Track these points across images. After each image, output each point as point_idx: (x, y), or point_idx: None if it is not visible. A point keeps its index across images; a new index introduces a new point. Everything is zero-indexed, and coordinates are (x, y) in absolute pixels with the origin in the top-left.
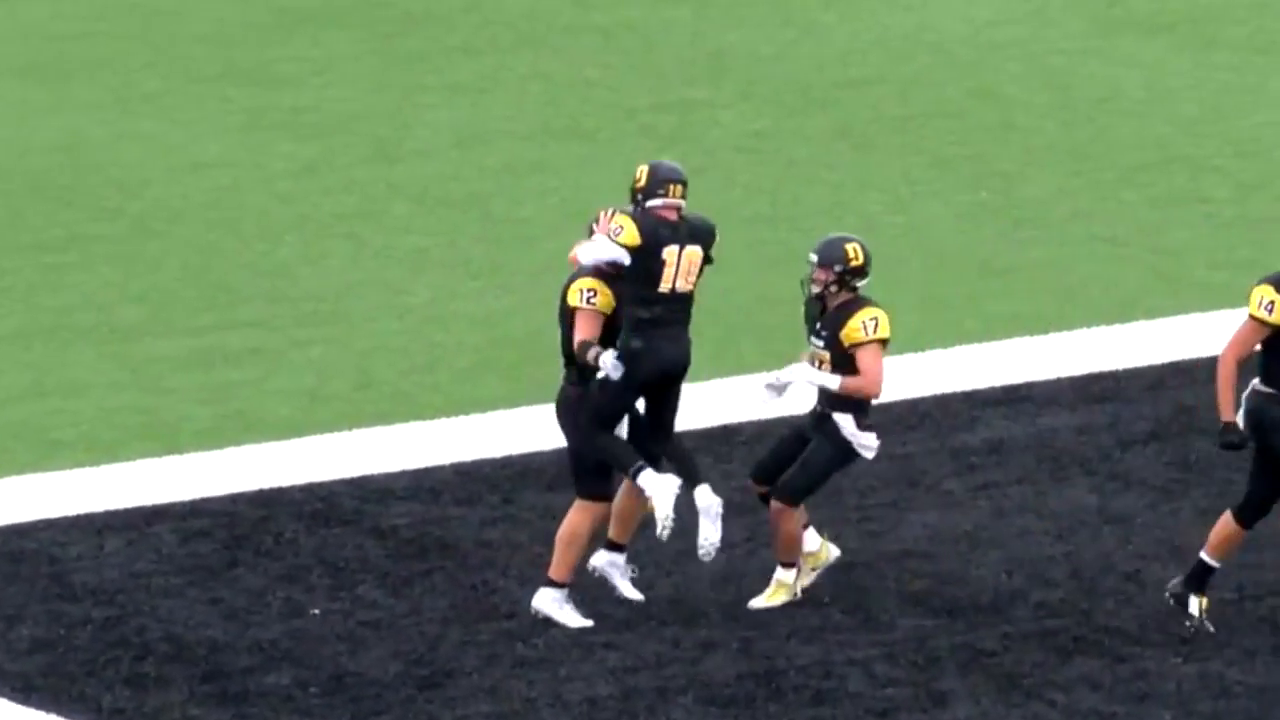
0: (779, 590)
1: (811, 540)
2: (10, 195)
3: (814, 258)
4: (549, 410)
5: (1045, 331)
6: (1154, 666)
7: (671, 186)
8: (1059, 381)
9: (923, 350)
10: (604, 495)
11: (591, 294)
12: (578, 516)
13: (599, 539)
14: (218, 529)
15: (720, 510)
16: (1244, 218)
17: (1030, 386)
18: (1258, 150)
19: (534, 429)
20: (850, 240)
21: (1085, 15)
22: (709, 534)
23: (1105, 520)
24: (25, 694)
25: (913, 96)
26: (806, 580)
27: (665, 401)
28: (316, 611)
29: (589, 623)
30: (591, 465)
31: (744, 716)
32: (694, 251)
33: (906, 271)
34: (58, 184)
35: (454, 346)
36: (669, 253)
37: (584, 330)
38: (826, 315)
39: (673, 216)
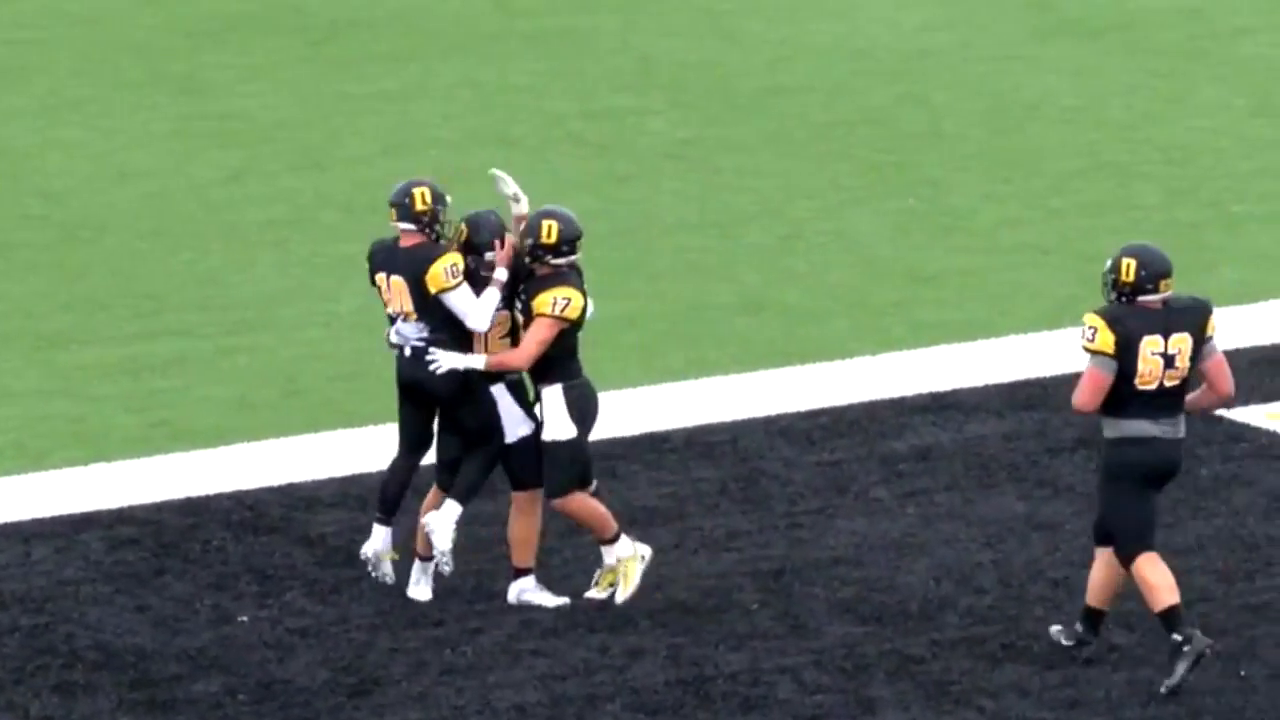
0: (608, 575)
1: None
2: None
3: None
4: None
5: (973, 338)
6: (1083, 673)
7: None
8: (987, 388)
9: (851, 357)
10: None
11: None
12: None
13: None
14: (145, 537)
15: (439, 526)
16: (1173, 224)
17: (958, 394)
18: (1186, 157)
19: None
20: (548, 216)
21: (1015, 21)
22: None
23: (1033, 527)
24: None
25: (840, 103)
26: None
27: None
28: (244, 619)
29: (566, 600)
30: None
31: None
32: (397, 280)
33: (835, 278)
34: None
35: (381, 354)
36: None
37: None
38: (528, 283)
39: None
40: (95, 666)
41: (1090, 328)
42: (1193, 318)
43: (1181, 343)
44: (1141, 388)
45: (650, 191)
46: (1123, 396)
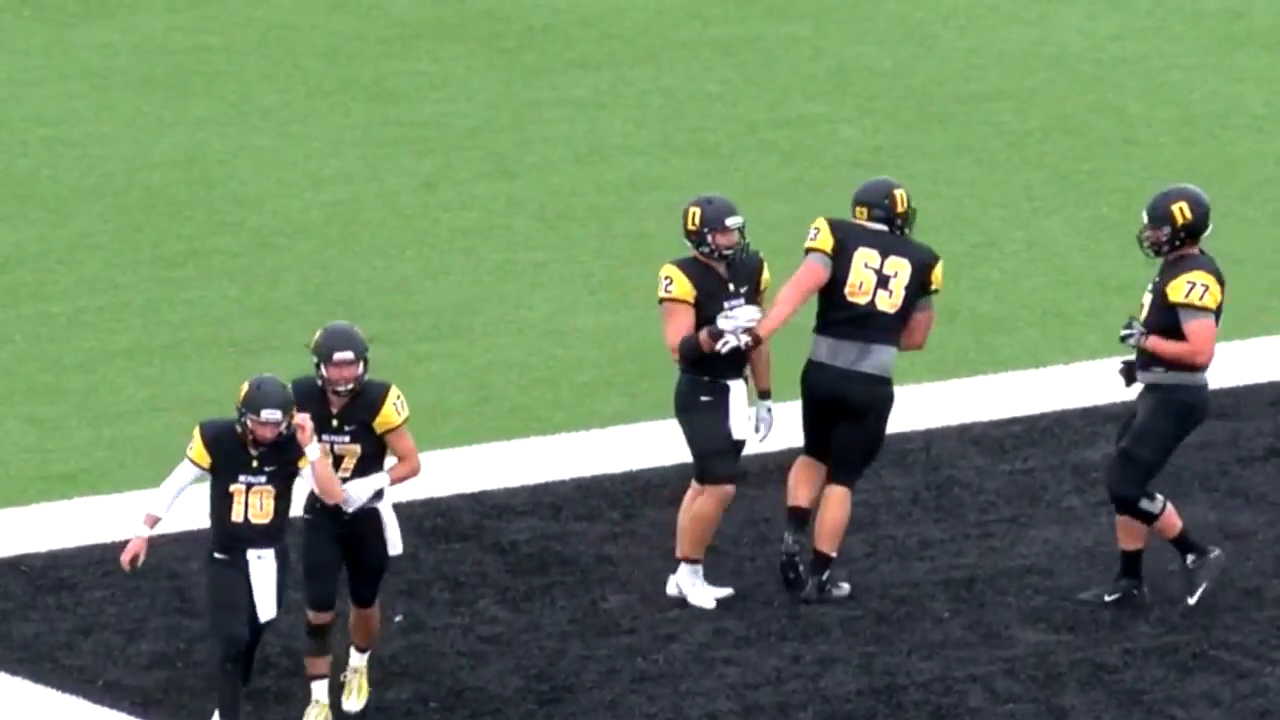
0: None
1: None
2: (128, 210)
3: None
4: (670, 425)
5: None
6: (1274, 683)
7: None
8: None
9: (1043, 366)
10: (718, 479)
11: (668, 281)
12: (696, 500)
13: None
14: None
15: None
16: None
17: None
18: None
19: (654, 444)
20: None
21: (1206, 30)
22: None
23: (1225, 536)
24: (144, 709)
25: (1033, 111)
26: None
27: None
28: (399, 618)
29: (729, 591)
30: (696, 450)
31: None
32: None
33: (1027, 287)
34: (176, 199)
35: (573, 361)
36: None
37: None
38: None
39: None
40: (287, 674)
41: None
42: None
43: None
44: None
45: (842, 199)
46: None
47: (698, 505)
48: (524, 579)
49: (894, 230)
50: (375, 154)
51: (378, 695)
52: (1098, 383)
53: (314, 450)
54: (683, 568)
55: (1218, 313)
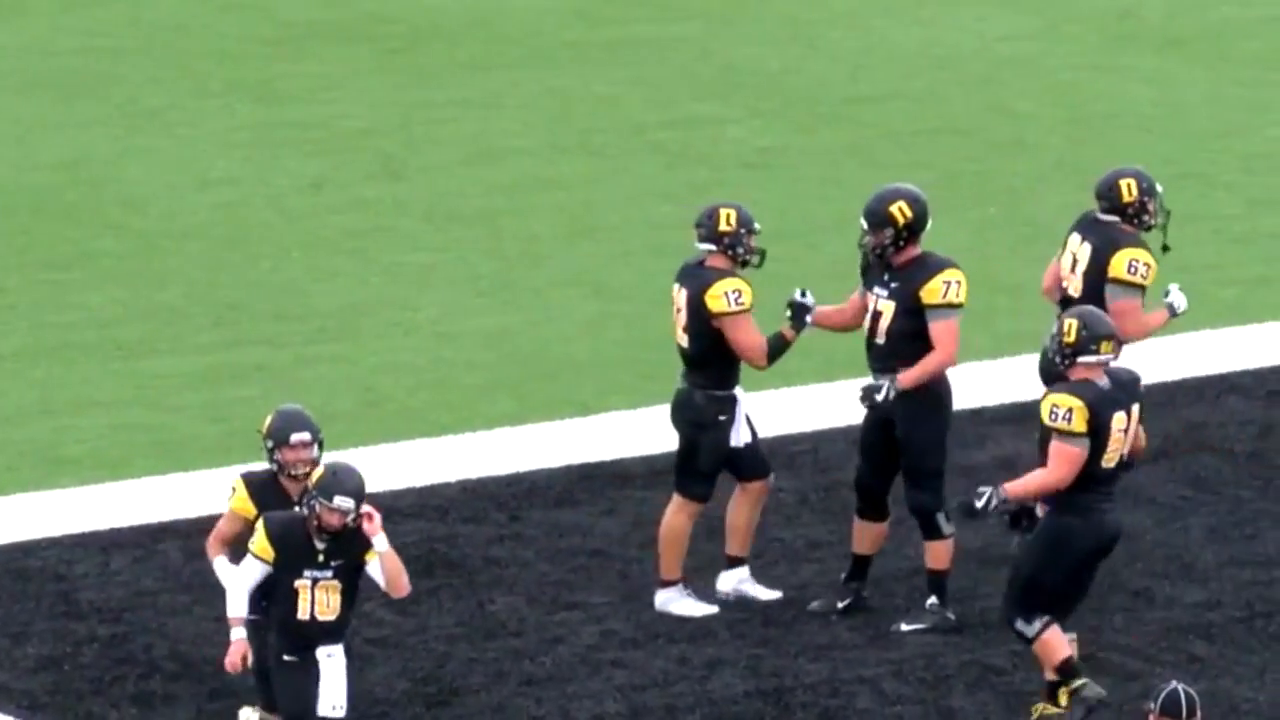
0: None
1: None
2: (15, 213)
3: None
4: (557, 427)
5: None
6: (1158, 685)
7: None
8: None
9: None
10: (704, 497)
11: (738, 294)
12: (679, 516)
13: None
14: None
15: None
16: (1254, 233)
17: (1039, 405)
18: (1269, 166)
19: (541, 446)
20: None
21: (1096, 30)
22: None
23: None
24: (31, 712)
25: (922, 112)
26: None
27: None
28: None
29: (714, 609)
30: (702, 468)
31: None
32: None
33: None
34: (63, 201)
35: (462, 364)
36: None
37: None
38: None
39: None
40: (173, 677)
41: None
42: None
43: None
44: None
45: (731, 200)
46: None
47: (677, 522)
48: (411, 581)
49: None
50: (263, 155)
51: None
52: (986, 385)
53: (382, 542)
54: (671, 590)
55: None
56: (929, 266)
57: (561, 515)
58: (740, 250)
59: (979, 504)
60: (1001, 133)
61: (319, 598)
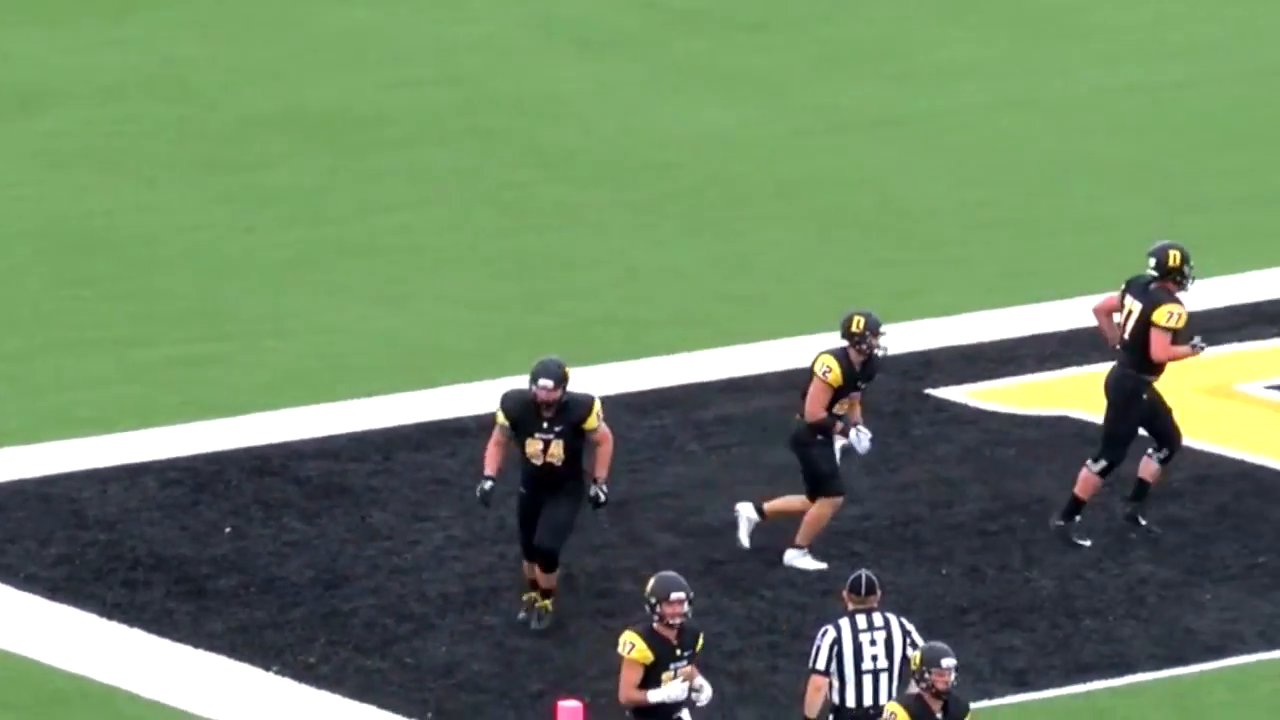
0: None
1: None
2: None
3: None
4: (418, 395)
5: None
6: (837, 569)
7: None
8: (767, 375)
9: (675, 354)
10: (840, 492)
11: (826, 370)
12: (821, 509)
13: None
14: (186, 478)
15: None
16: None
17: (746, 379)
18: None
19: (406, 408)
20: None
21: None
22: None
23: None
24: (52, 593)
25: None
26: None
27: None
28: (229, 529)
29: (824, 565)
30: (825, 473)
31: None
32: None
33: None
34: None
35: (353, 353)
36: None
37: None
38: None
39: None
40: (151, 568)
41: None
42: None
43: None
44: None
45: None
46: None
47: (818, 510)
48: (314, 502)
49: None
50: None
51: (213, 583)
52: (709, 365)
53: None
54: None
55: None
56: None
57: (420, 456)
58: (864, 345)
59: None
60: None
61: None
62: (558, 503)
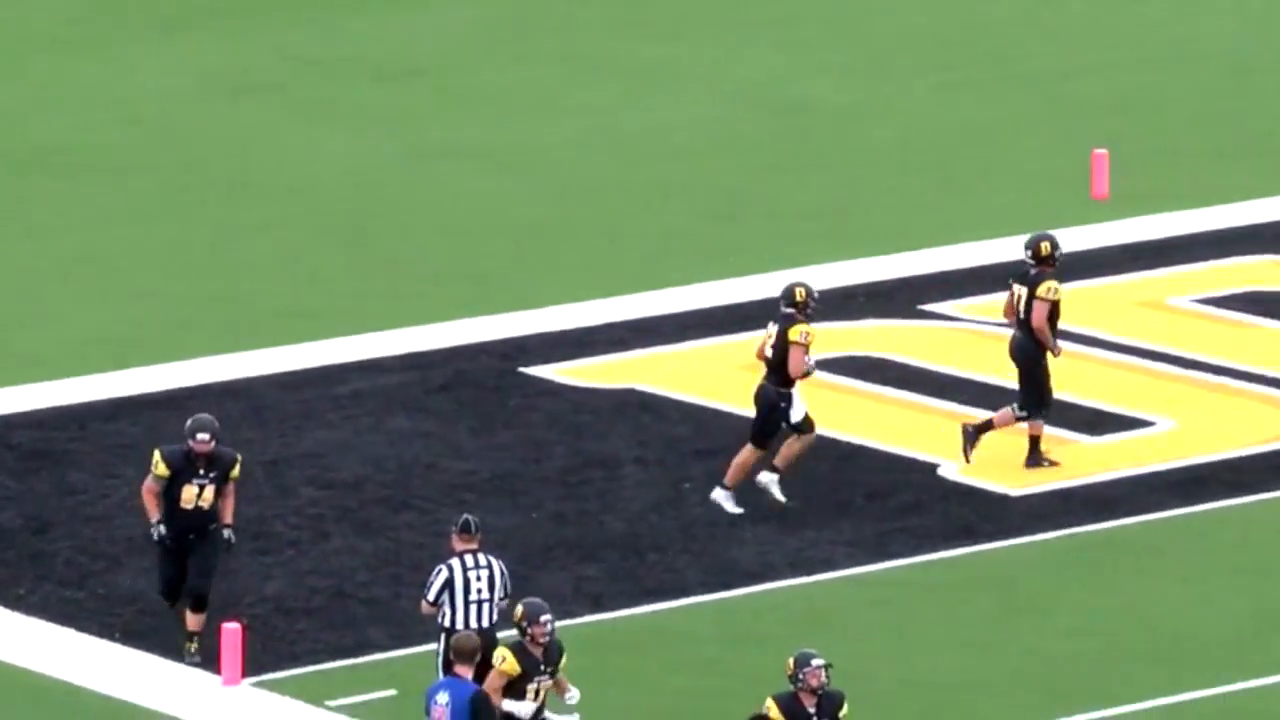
0: None
1: None
2: None
3: None
4: (114, 376)
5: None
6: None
7: None
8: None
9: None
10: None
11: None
12: (803, 445)
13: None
14: None
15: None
16: None
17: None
18: None
19: (98, 387)
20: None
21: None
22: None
23: (422, 435)
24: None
25: None
26: None
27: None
28: None
29: (741, 510)
30: (769, 430)
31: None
32: None
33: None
34: None
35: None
36: None
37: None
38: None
39: None
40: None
41: None
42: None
43: None
44: None
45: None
46: None
47: (797, 446)
48: (22, 463)
49: None
50: None
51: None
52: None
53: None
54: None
55: None
56: None
57: (111, 426)
58: (810, 310)
59: None
60: None
61: None
62: (203, 548)
